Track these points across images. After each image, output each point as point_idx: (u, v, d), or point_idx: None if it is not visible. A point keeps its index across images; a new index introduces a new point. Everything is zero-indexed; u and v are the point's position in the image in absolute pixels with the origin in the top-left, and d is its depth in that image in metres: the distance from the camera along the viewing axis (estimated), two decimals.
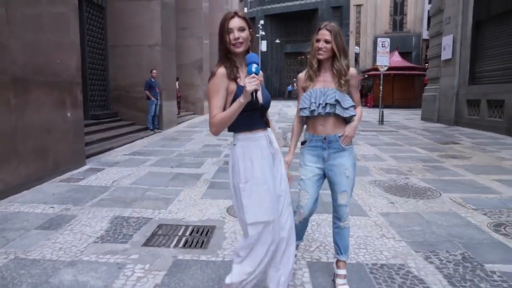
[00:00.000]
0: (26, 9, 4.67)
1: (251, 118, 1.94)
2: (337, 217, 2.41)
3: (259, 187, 1.94)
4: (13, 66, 4.41)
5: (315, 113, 2.29)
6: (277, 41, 48.84)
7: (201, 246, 3.04)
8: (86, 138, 6.74)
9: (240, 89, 1.87)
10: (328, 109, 2.26)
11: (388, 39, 14.72)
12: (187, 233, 3.32)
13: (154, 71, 10.41)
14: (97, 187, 4.79)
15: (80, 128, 6.02)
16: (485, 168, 6.17)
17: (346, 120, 2.33)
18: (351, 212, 3.86)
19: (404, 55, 31.67)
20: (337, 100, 2.24)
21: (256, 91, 1.78)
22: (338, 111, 2.26)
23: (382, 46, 14.30)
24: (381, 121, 14.28)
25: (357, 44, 39.36)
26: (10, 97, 4.34)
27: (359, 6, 39.28)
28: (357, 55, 39.31)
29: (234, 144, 2.01)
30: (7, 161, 4.31)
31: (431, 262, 2.80)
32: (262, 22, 41.47)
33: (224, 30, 1.92)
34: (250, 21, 2.00)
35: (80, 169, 5.82)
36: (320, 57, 2.27)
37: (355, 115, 2.32)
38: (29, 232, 3.28)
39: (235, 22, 1.90)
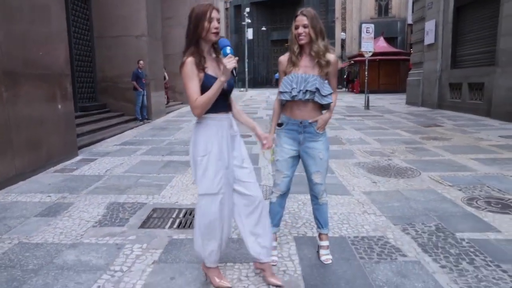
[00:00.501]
0: (12, 1, 4.72)
1: (216, 101, 2.12)
2: (314, 195, 2.61)
3: (215, 162, 2.16)
4: (3, 59, 4.48)
5: (296, 98, 2.44)
6: (263, 28, 48.64)
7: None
8: (76, 130, 6.82)
9: (208, 78, 2.11)
10: (308, 96, 2.42)
11: (372, 25, 14.90)
12: (181, 215, 3.51)
13: (141, 61, 10.45)
14: (91, 176, 4.93)
15: (71, 120, 6.12)
16: (464, 148, 6.47)
17: (323, 106, 2.50)
18: (336, 192, 4.11)
19: (390, 40, 31.97)
20: (317, 88, 2.40)
21: (235, 68, 2.02)
22: (317, 98, 2.42)
23: (367, 32, 14.49)
24: (367, 106, 14.56)
25: (343, 30, 39.49)
26: (2, 90, 4.43)
27: None
28: (343, 41, 39.46)
29: (198, 122, 2.22)
30: (2, 153, 4.42)
31: (408, 233, 3.04)
32: (248, 9, 41.20)
33: (205, 18, 2.11)
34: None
35: (72, 159, 5.94)
36: (302, 42, 2.41)
37: (331, 102, 2.49)
38: (29, 219, 3.44)
39: (216, 13, 2.14)
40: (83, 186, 4.47)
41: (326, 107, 2.50)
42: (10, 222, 3.37)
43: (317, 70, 2.42)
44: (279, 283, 2.32)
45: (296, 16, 2.42)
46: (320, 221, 2.63)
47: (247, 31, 38.56)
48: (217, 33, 2.14)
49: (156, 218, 3.46)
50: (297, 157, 2.57)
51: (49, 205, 3.82)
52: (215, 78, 2.10)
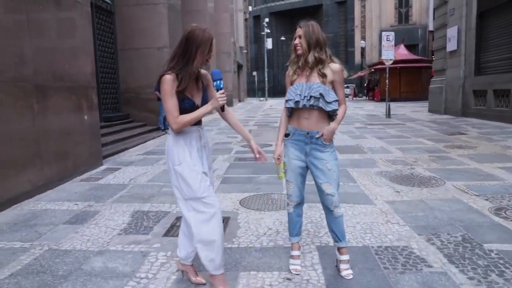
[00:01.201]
0: (43, 16, 4.94)
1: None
2: (327, 207, 2.55)
3: (191, 169, 2.28)
4: (35, 73, 4.68)
5: (300, 105, 2.46)
6: (283, 38, 48.84)
7: None
8: (101, 140, 7.01)
9: (185, 99, 2.24)
10: (312, 102, 2.42)
11: (393, 33, 14.81)
12: None
13: None
14: (115, 185, 5.05)
15: (96, 130, 6.30)
16: (490, 156, 6.31)
17: (330, 115, 2.49)
18: (358, 201, 4.09)
19: (411, 47, 31.60)
20: (321, 94, 2.41)
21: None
22: (322, 104, 2.42)
23: (387, 40, 14.40)
24: (388, 114, 14.39)
25: (363, 38, 39.29)
26: (33, 102, 4.62)
27: (363, 0, 39.16)
28: (363, 49, 39.24)
29: (169, 133, 2.36)
30: (32, 163, 4.59)
31: (433, 244, 2.99)
32: (267, 20, 41.56)
33: (209, 44, 2.24)
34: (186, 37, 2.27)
35: (97, 169, 6.10)
36: (298, 52, 2.48)
37: (337, 109, 2.48)
38: (57, 226, 3.55)
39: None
40: (108, 195, 4.58)
41: (332, 116, 2.50)
42: (40, 229, 3.49)
43: (318, 78, 2.45)
44: (203, 281, 2.47)
45: (296, 28, 2.50)
46: (337, 234, 2.57)
47: (266, 41, 38.83)
48: (208, 61, 2.30)
49: (179, 226, 3.50)
50: (306, 168, 2.57)
51: (76, 213, 3.94)
52: (191, 101, 2.27)
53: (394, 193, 4.42)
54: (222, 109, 2.36)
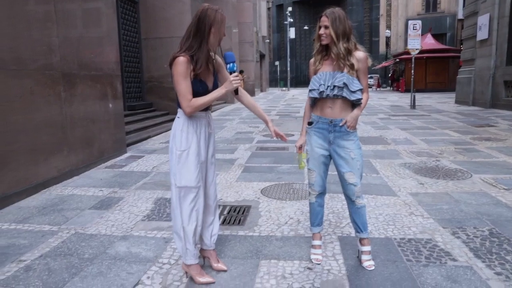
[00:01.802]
0: (69, 6, 5.03)
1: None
2: (349, 197, 2.52)
3: (192, 157, 2.26)
4: (62, 62, 4.78)
5: (324, 95, 2.42)
6: (306, 27, 48.21)
7: (238, 223, 3.29)
8: (125, 128, 7.14)
9: (197, 82, 2.20)
10: (336, 92, 2.39)
11: (420, 21, 14.37)
12: (225, 212, 3.58)
13: None
14: (139, 172, 5.15)
15: (120, 118, 6.41)
16: None
17: (354, 104, 2.46)
18: (381, 192, 4.03)
19: (438, 36, 30.65)
20: (345, 83, 2.37)
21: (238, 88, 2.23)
22: (345, 94, 2.38)
23: (414, 29, 13.99)
24: (413, 105, 14.06)
25: (388, 27, 38.34)
26: (61, 90, 4.73)
27: None
28: (388, 39, 38.32)
29: (178, 117, 2.30)
30: (59, 149, 4.72)
31: (458, 237, 2.92)
32: (290, 9, 41.04)
33: (222, 24, 2.21)
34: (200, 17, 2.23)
35: (121, 156, 6.22)
36: (323, 42, 2.42)
37: (361, 98, 2.43)
38: (84, 211, 3.65)
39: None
40: (132, 182, 4.67)
41: (356, 105, 2.46)
42: (67, 213, 3.60)
43: (345, 69, 2.40)
44: (224, 267, 2.49)
45: (320, 16, 2.43)
46: (359, 225, 2.54)
47: (289, 30, 38.42)
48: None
49: None
50: (329, 156, 2.54)
51: (102, 198, 4.04)
52: (204, 84, 2.24)
53: (418, 185, 4.33)
54: (235, 92, 2.31)
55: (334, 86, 2.39)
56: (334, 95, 2.41)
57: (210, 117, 2.42)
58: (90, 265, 2.59)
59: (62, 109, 4.77)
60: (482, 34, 13.47)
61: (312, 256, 2.61)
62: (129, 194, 4.20)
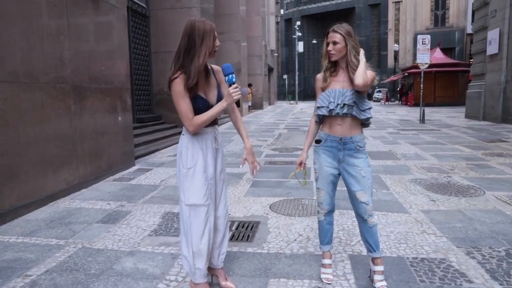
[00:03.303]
0: (82, 20, 5.10)
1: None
2: (360, 216, 2.45)
3: (199, 174, 2.23)
4: (73, 75, 4.83)
5: (333, 113, 2.38)
6: (314, 41, 48.50)
7: (247, 240, 3.24)
8: (134, 141, 7.16)
9: (198, 99, 2.18)
10: (346, 110, 2.35)
11: (429, 36, 14.36)
12: (233, 227, 3.53)
13: None
14: (147, 186, 5.13)
15: (129, 131, 6.43)
16: None
17: (362, 123, 2.43)
18: (391, 209, 3.95)
19: (447, 51, 30.60)
20: (355, 102, 2.34)
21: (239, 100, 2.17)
22: (355, 112, 2.35)
23: (423, 44, 13.98)
24: (422, 119, 13.95)
25: (396, 41, 38.40)
26: (71, 103, 4.77)
27: (397, 2, 38.32)
28: (396, 53, 38.34)
29: (183, 134, 2.28)
30: (68, 162, 4.73)
31: (473, 257, 2.83)
32: (298, 23, 41.41)
33: (211, 35, 2.15)
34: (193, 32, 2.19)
35: (130, 169, 6.22)
36: (332, 59, 2.39)
37: (371, 117, 2.41)
38: (91, 225, 3.63)
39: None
40: (140, 195, 4.65)
41: (365, 124, 2.43)
42: (74, 227, 3.58)
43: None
44: (233, 286, 2.42)
45: (328, 32, 2.40)
46: (371, 244, 2.47)
47: (297, 44, 38.69)
48: (215, 53, 2.21)
49: None
50: (338, 175, 2.50)
51: (109, 212, 4.02)
52: (204, 100, 2.20)
53: (430, 201, 4.24)
54: (237, 104, 2.26)
55: (344, 104, 2.35)
56: (343, 113, 2.37)
57: (217, 132, 2.37)
58: (96, 281, 2.55)
59: (71, 122, 4.79)
60: (492, 49, 13.41)
61: (323, 276, 2.55)
62: (136, 208, 4.17)
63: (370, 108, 2.39)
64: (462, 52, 33.33)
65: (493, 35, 13.30)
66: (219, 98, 2.26)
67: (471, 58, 17.95)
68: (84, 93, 5.10)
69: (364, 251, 2.97)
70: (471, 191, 4.63)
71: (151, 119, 10.84)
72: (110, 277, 2.60)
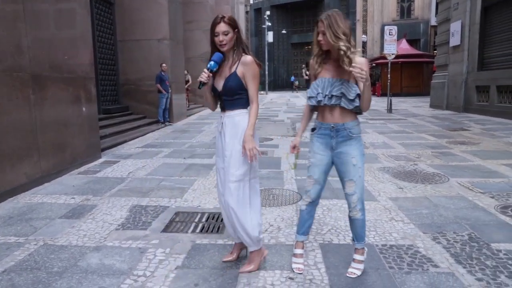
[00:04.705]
0: (40, 6, 4.82)
1: (219, 101, 2.50)
2: (348, 206, 2.45)
3: (216, 153, 2.57)
4: (32, 63, 4.57)
5: (322, 103, 2.35)
6: (284, 31, 48.59)
7: (217, 231, 3.19)
8: (99, 132, 6.92)
9: (214, 88, 2.46)
10: (334, 101, 2.32)
11: (395, 27, 14.65)
12: (203, 219, 3.47)
13: (164, 64, 10.54)
14: (114, 179, 4.97)
15: (94, 122, 6.19)
16: (494, 153, 6.23)
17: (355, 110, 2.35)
18: None
19: (412, 42, 31.34)
20: (342, 93, 2.28)
21: (201, 82, 2.35)
22: (344, 103, 2.30)
23: (390, 34, 14.25)
24: (390, 109, 14.28)
25: (364, 32, 39.01)
26: (30, 93, 4.51)
27: None
28: (364, 44, 38.98)
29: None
30: (29, 155, 4.49)
31: (439, 242, 2.91)
32: (268, 13, 41.24)
33: (213, 33, 2.34)
34: (236, 21, 2.38)
35: (96, 161, 6.00)
36: (324, 48, 2.33)
37: (359, 106, 2.31)
38: (54, 221, 3.46)
39: (220, 27, 2.31)
40: (106, 188, 4.50)
41: (357, 110, 2.35)
42: (36, 223, 3.41)
43: (346, 74, 2.29)
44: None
45: (317, 22, 2.32)
46: (354, 234, 2.49)
47: (267, 34, 38.58)
48: (222, 46, 2.33)
49: (178, 222, 3.43)
50: (330, 164, 2.46)
51: (73, 207, 3.85)
52: (215, 88, 2.46)
53: (398, 189, 4.34)
54: (199, 85, 2.39)
55: (332, 95, 2.31)
56: (331, 104, 2.33)
57: (225, 118, 2.46)
58: (59, 279, 2.43)
59: (31, 112, 4.55)
60: (454, 40, 13.84)
61: (294, 266, 2.54)
62: (102, 201, 4.03)
63: (358, 95, 2.29)
64: (426, 44, 34.27)
65: (455, 27, 13.72)
66: (225, 86, 2.39)
67: (435, 50, 18.51)
68: (45, 82, 4.84)
69: (335, 240, 3.00)
70: (436, 178, 4.77)
71: (118, 110, 10.52)
72: (74, 275, 2.49)
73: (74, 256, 2.75)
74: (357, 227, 2.45)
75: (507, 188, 4.31)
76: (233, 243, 2.74)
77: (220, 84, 2.40)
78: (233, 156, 2.40)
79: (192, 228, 3.28)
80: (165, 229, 3.26)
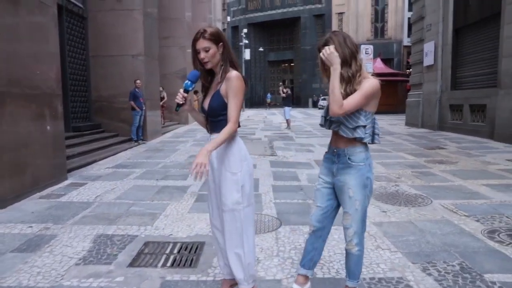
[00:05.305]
0: (1, 18, 4.48)
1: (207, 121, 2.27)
2: (344, 238, 2.22)
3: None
4: None
5: (325, 128, 2.19)
6: (261, 49, 49.08)
7: (190, 265, 2.89)
8: (67, 152, 6.51)
9: (202, 108, 2.28)
10: (333, 126, 2.12)
11: (371, 46, 14.94)
12: (175, 250, 3.16)
13: (138, 81, 10.21)
14: (79, 203, 4.58)
15: (60, 141, 5.79)
16: (472, 173, 6.19)
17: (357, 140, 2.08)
18: None
19: (386, 61, 32.20)
20: (339, 120, 2.06)
21: (178, 104, 2.16)
22: (342, 131, 2.07)
23: (366, 53, 14.47)
24: None
25: None
26: None
27: (341, 14, 39.86)
28: None
29: None
30: None
31: (430, 274, 2.71)
32: (245, 30, 41.61)
33: (194, 49, 2.14)
34: (221, 33, 2.17)
35: (61, 184, 5.58)
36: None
37: (363, 138, 2.05)
38: (4, 255, 3.07)
39: (201, 43, 2.10)
40: (70, 215, 4.11)
41: (359, 140, 2.08)
42: None
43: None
44: None
45: (319, 47, 2.07)
46: (346, 270, 2.25)
47: (244, 52, 38.81)
48: (206, 63, 2.14)
49: (148, 254, 3.11)
50: (333, 189, 2.21)
51: (30, 237, 3.46)
52: (203, 107, 2.27)
53: (381, 213, 4.15)
54: (175, 108, 2.23)
55: (331, 121, 2.11)
56: (331, 129, 2.15)
57: (210, 139, 2.19)
58: None
59: None
60: (428, 60, 14.15)
61: None
62: (64, 230, 3.65)
63: (364, 127, 2.03)
64: (400, 63, 35.28)
65: (429, 47, 14.05)
66: (210, 105, 2.19)
67: (408, 68, 18.92)
68: (2, 98, 4.46)
69: (319, 273, 2.75)
70: (419, 200, 4.63)
71: (89, 128, 10.07)
72: None
73: None
74: (351, 263, 2.21)
75: (490, 210, 4.20)
76: (208, 279, 2.46)
77: (207, 103, 2.22)
78: (222, 185, 2.17)
79: (162, 261, 2.97)
80: (132, 263, 2.93)
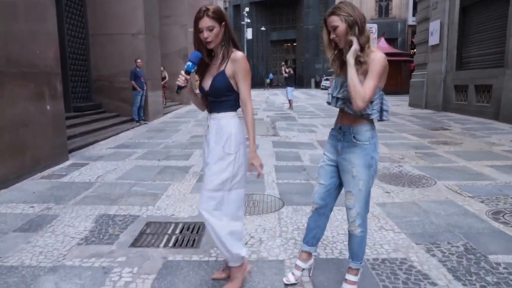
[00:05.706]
0: None
1: (206, 101, 2.23)
2: (347, 219, 2.18)
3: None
4: None
5: (332, 105, 2.14)
6: (263, 28, 48.33)
7: (192, 245, 2.88)
8: (68, 132, 6.46)
9: (201, 87, 2.20)
10: (339, 103, 2.06)
11: (375, 25, 14.66)
12: (177, 231, 3.15)
13: (139, 60, 10.07)
14: (80, 184, 4.56)
15: (61, 121, 5.74)
16: (477, 154, 6.13)
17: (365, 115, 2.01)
18: None
19: (390, 41, 31.69)
20: (345, 96, 2.01)
21: (179, 86, 2.09)
22: (348, 108, 2.02)
23: (370, 32, 14.16)
24: None
25: None
26: None
27: None
28: None
29: None
30: None
31: (434, 255, 2.69)
32: (247, 9, 40.90)
33: (196, 29, 2.05)
34: (223, 12, 2.09)
35: (62, 164, 5.56)
36: (341, 46, 2.01)
37: (371, 115, 1.99)
38: (6, 235, 3.06)
39: (204, 22, 2.01)
40: (71, 195, 4.10)
41: (367, 117, 2.02)
42: None
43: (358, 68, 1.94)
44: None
45: (325, 19, 1.99)
46: (349, 251, 2.21)
47: (246, 31, 38.23)
48: (207, 43, 2.06)
49: (149, 234, 3.09)
50: (336, 168, 2.16)
51: (31, 217, 3.45)
52: (202, 87, 2.19)
53: (384, 193, 4.12)
54: (177, 90, 2.15)
55: (338, 98, 2.05)
56: (337, 106, 2.10)
57: (210, 120, 2.20)
58: None
59: None
60: (433, 40, 13.88)
61: (285, 279, 2.30)
62: (65, 210, 3.64)
63: (371, 102, 1.95)
64: (404, 43, 34.70)
65: (434, 26, 13.76)
66: (212, 85, 2.12)
67: (412, 48, 18.61)
68: (1, 78, 4.38)
69: (322, 254, 2.73)
70: (423, 181, 4.59)
71: (90, 108, 9.99)
72: None
73: (24, 280, 2.38)
74: (354, 244, 2.17)
75: (495, 191, 4.16)
76: (210, 259, 2.44)
77: (207, 83, 2.14)
78: (215, 163, 2.12)
79: (164, 241, 2.95)
80: (134, 243, 2.92)
